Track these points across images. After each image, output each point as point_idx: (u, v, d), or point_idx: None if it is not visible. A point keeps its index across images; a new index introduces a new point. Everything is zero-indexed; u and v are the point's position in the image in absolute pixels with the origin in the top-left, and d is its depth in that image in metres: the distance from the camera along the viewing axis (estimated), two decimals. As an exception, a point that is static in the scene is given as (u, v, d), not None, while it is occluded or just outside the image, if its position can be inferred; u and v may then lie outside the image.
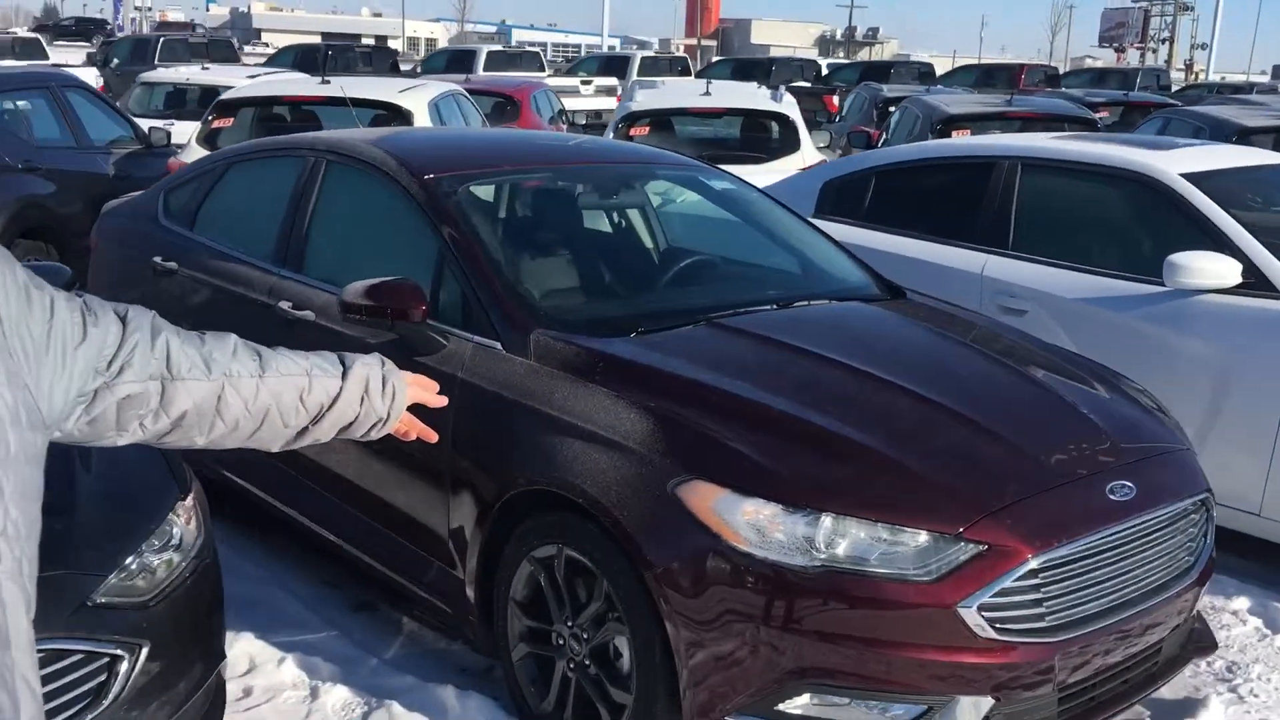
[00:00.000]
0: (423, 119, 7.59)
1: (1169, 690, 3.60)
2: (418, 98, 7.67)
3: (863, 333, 3.60)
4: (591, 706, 3.05)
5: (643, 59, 28.46)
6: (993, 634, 2.69)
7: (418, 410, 1.85)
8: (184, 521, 2.65)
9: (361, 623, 3.98)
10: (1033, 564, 2.73)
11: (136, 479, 2.63)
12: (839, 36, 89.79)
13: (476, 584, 3.31)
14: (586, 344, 3.22)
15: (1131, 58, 65.50)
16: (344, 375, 1.69)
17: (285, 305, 3.99)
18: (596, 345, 3.22)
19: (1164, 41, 69.63)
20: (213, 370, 1.52)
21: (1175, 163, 4.87)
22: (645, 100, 8.97)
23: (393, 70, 25.22)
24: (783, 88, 9.75)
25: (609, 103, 21.48)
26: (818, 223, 5.80)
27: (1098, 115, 14.89)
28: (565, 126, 13.01)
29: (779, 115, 8.73)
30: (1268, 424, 4.29)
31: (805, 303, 3.82)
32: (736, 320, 3.50)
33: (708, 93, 9.05)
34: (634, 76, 25.52)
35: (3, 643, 1.17)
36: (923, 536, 2.72)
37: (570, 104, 16.78)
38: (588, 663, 3.05)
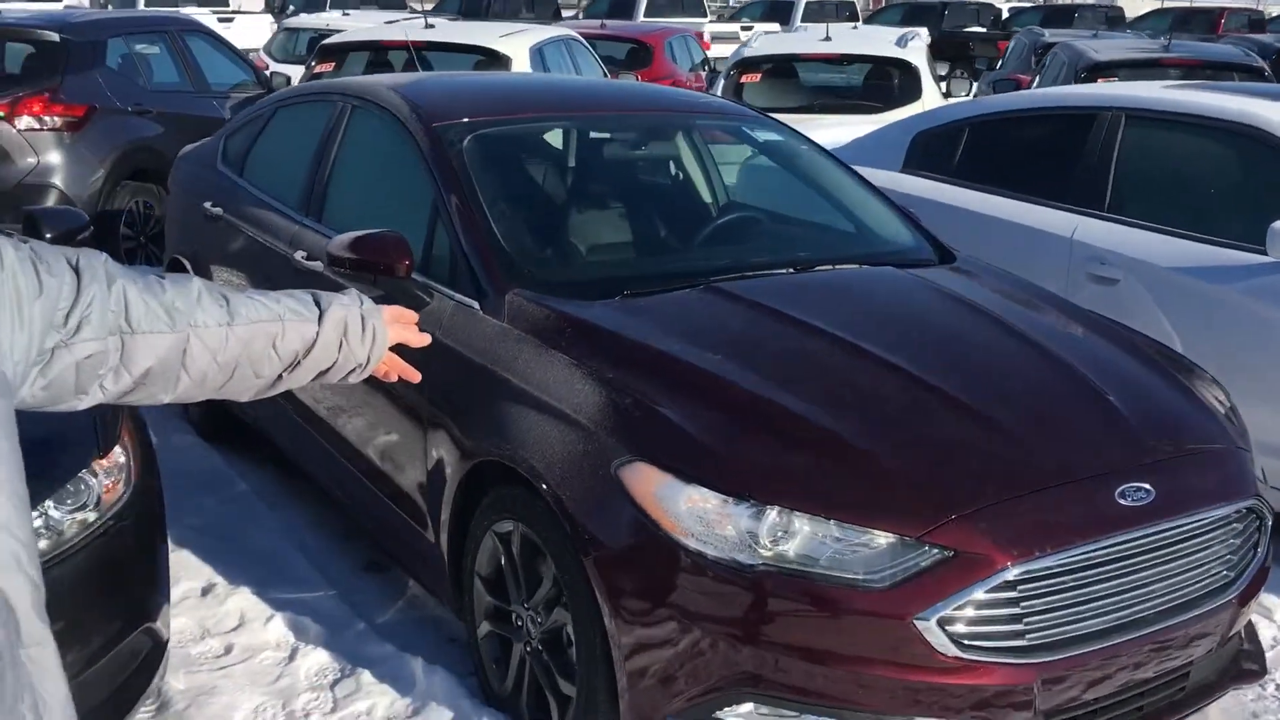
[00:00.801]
0: (522, 64, 7.42)
1: (1218, 715, 3.20)
2: (519, 43, 7.50)
3: (879, 303, 3.26)
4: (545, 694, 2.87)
5: (808, 4, 27.65)
6: (956, 651, 2.38)
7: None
8: (102, 480, 2.57)
9: (365, 584, 3.89)
10: (1010, 574, 2.39)
11: (54, 434, 2.55)
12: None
13: (448, 554, 3.16)
14: (558, 306, 3.00)
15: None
16: (320, 319, 1.54)
17: (300, 255, 3.89)
18: (569, 308, 2.99)
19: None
20: (176, 321, 1.39)
21: (1298, 116, 4.29)
22: (761, 46, 8.57)
23: (555, 16, 25.21)
24: (914, 33, 9.17)
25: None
26: (905, 178, 5.43)
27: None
28: (705, 75, 12.66)
29: (902, 62, 8.22)
30: (1382, 417, 3.75)
31: (830, 267, 3.49)
32: (741, 285, 3.22)
33: (828, 38, 8.59)
34: (797, 21, 24.81)
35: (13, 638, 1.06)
36: (882, 538, 2.41)
37: (730, 50, 16.31)
38: (540, 648, 2.86)
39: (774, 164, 4.17)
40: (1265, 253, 3.97)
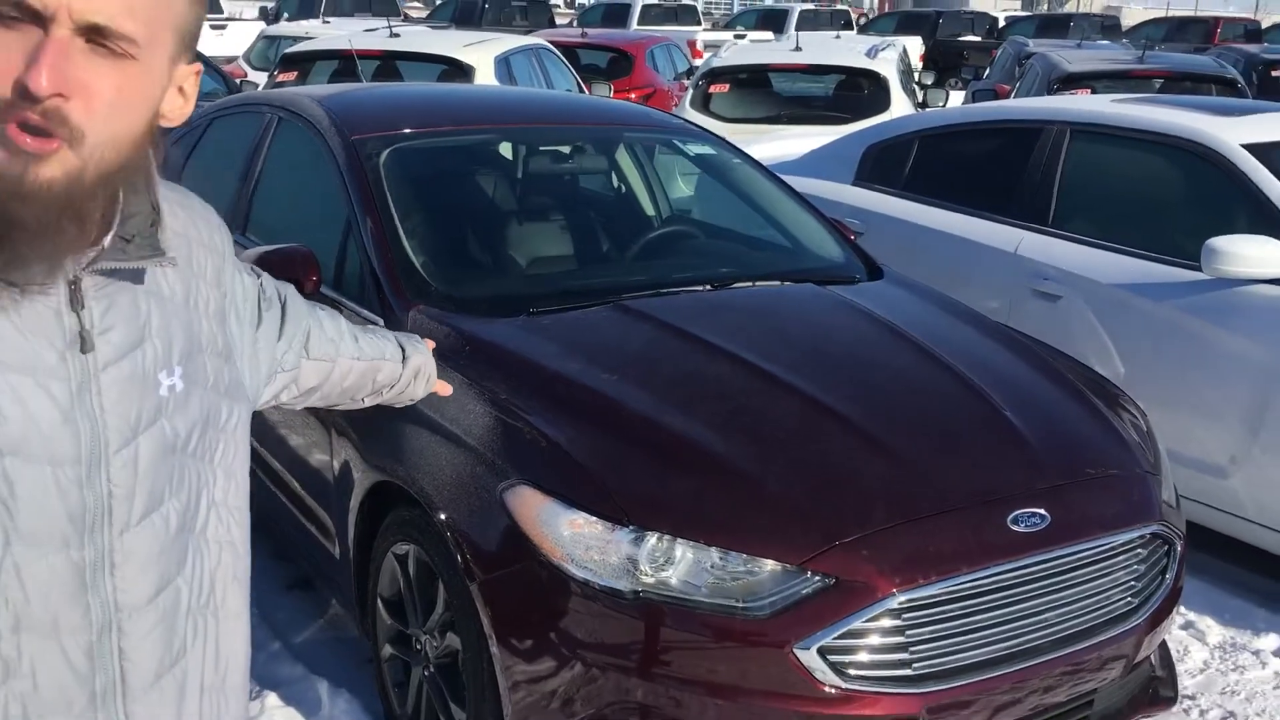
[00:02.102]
0: (487, 74, 7.38)
1: (1143, 742, 3.14)
2: (484, 52, 7.45)
3: (789, 322, 3.20)
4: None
5: (802, 12, 27.65)
6: (838, 681, 2.32)
7: None
8: None
9: (289, 602, 3.84)
10: (893, 603, 2.34)
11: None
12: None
13: (355, 574, 3.11)
14: (458, 325, 2.95)
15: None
16: (403, 362, 1.87)
17: (222, 270, 3.84)
18: (468, 326, 2.95)
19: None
20: (334, 351, 1.68)
21: (1239, 131, 4.24)
22: (730, 56, 8.53)
23: (550, 23, 25.20)
24: (887, 43, 9.13)
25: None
26: (856, 191, 5.38)
27: (1276, 74, 13.61)
28: (688, 84, 12.63)
29: (871, 73, 8.17)
30: (1316, 437, 3.70)
31: (750, 284, 3.44)
32: (651, 303, 3.17)
33: (798, 48, 8.54)
34: (792, 30, 24.82)
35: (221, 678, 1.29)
36: (764, 565, 2.36)
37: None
38: (435, 673, 2.81)
39: (706, 178, 4.12)
40: (1201, 269, 3.92)
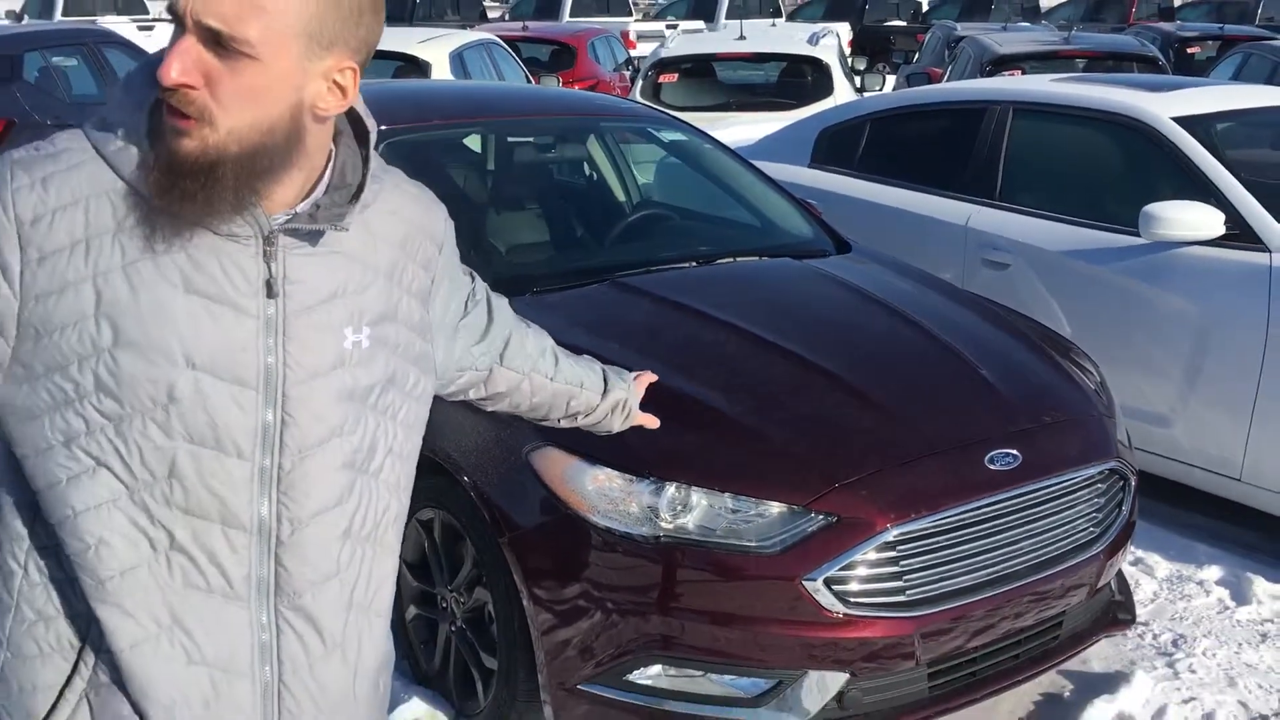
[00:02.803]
0: (443, 70, 7.55)
1: (1099, 662, 3.46)
2: (438, 48, 7.63)
3: (773, 292, 3.47)
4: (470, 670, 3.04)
5: (731, 1, 27.92)
6: (842, 608, 2.59)
7: None
8: None
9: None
10: (889, 536, 2.62)
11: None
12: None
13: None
14: (469, 305, 3.17)
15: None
16: (603, 394, 1.96)
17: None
18: (479, 306, 3.17)
19: (1305, -33, 65.44)
20: (526, 365, 1.81)
21: (1170, 105, 4.58)
22: (677, 46, 8.79)
23: (481, 18, 25.20)
24: (826, 30, 9.44)
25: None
26: (812, 173, 5.67)
27: (1191, 51, 14.17)
28: (629, 74, 12.85)
29: (814, 60, 8.47)
30: (1248, 385, 4.04)
31: (731, 259, 3.70)
32: (644, 279, 3.41)
33: (742, 37, 8.82)
34: (721, 18, 25.07)
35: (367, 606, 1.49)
36: (773, 508, 2.63)
37: (652, 49, 16.49)
38: (464, 627, 3.04)
39: (680, 163, 4.37)
40: (1139, 235, 4.25)
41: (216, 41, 1.22)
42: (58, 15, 19.92)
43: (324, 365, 1.36)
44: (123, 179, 1.28)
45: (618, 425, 2.05)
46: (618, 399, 1.99)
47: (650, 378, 2.10)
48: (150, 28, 18.94)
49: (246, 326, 1.31)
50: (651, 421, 2.10)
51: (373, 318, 1.41)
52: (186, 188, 1.25)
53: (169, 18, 1.24)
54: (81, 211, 1.27)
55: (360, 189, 1.38)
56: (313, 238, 1.36)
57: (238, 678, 1.37)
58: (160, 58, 1.25)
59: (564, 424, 1.97)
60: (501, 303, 1.77)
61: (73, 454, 1.29)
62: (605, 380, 1.98)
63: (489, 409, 1.85)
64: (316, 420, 1.36)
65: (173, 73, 1.21)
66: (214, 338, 1.29)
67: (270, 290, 1.32)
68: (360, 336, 1.39)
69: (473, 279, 1.69)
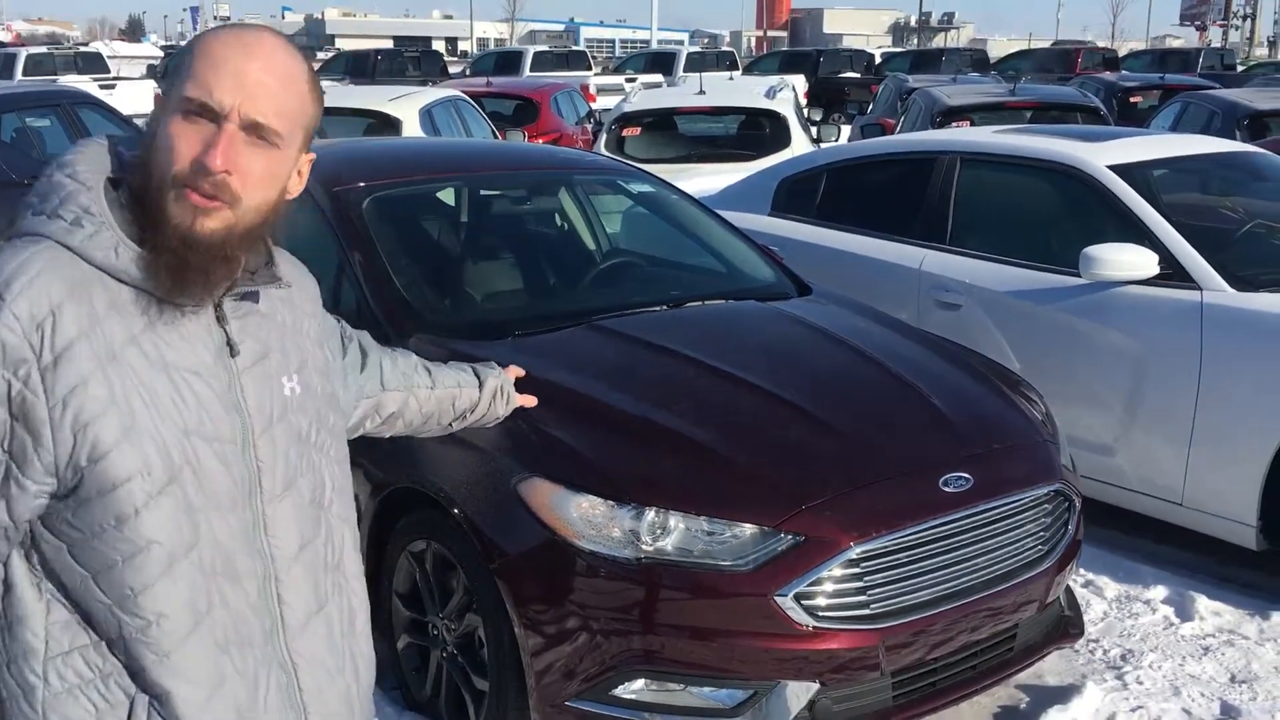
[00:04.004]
0: (413, 127, 7.80)
1: (1053, 676, 3.68)
2: (408, 106, 7.88)
3: (739, 332, 3.71)
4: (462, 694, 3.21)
5: (689, 54, 28.51)
6: (811, 621, 2.80)
7: None
8: None
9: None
10: (852, 554, 2.83)
11: None
12: (913, 23, 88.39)
13: (367, 578, 3.47)
14: (454, 347, 3.37)
15: (1215, 36, 63.60)
16: (480, 387, 2.22)
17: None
18: (463, 348, 3.37)
19: (1246, 19, 67.42)
20: (406, 383, 2.03)
21: (1105, 155, 4.89)
22: (639, 101, 9.10)
23: (442, 74, 25.55)
24: (782, 84, 9.79)
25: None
26: (772, 220, 5.93)
27: (1134, 100, 14.70)
28: (590, 128, 13.16)
29: (771, 113, 8.80)
30: (1184, 415, 4.31)
31: (700, 302, 3.93)
32: (618, 322, 3.63)
33: (702, 92, 9.15)
34: (679, 72, 25.57)
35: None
36: (745, 529, 2.83)
37: (614, 103, 16.84)
38: (455, 652, 3.21)
39: (648, 213, 4.61)
40: (1079, 275, 4.53)
41: (253, 133, 1.40)
42: (18, 75, 20.05)
43: (276, 413, 1.52)
44: (98, 266, 1.39)
45: (503, 409, 2.28)
46: (495, 385, 2.23)
47: (518, 371, 2.36)
48: (112, 86, 19.13)
49: (216, 387, 1.46)
50: (529, 400, 2.37)
51: (297, 366, 1.58)
52: (199, 263, 1.40)
53: (197, 110, 1.38)
54: (67, 314, 1.36)
55: (270, 255, 1.56)
56: (251, 298, 1.51)
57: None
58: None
59: (455, 426, 2.19)
60: (365, 335, 1.98)
61: (123, 535, 1.39)
62: (477, 375, 2.21)
63: (387, 434, 2.04)
64: (283, 464, 1.52)
65: (219, 161, 1.38)
66: (194, 404, 1.44)
67: (232, 350, 1.48)
68: (293, 384, 1.56)
69: (339, 321, 1.89)
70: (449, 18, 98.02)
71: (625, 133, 8.63)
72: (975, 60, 30.37)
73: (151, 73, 26.19)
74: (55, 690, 1.42)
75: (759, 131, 8.88)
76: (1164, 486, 4.43)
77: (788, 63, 29.28)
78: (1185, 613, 4.09)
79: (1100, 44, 41.63)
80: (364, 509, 3.40)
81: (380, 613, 3.48)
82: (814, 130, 10.24)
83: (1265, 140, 7.17)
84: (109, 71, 23.82)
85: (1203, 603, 4.11)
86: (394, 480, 3.28)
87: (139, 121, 13.08)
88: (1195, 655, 3.81)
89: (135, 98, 18.47)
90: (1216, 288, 4.31)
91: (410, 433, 2.10)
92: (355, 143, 5.49)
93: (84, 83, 17.09)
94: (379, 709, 3.40)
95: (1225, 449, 4.20)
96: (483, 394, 2.22)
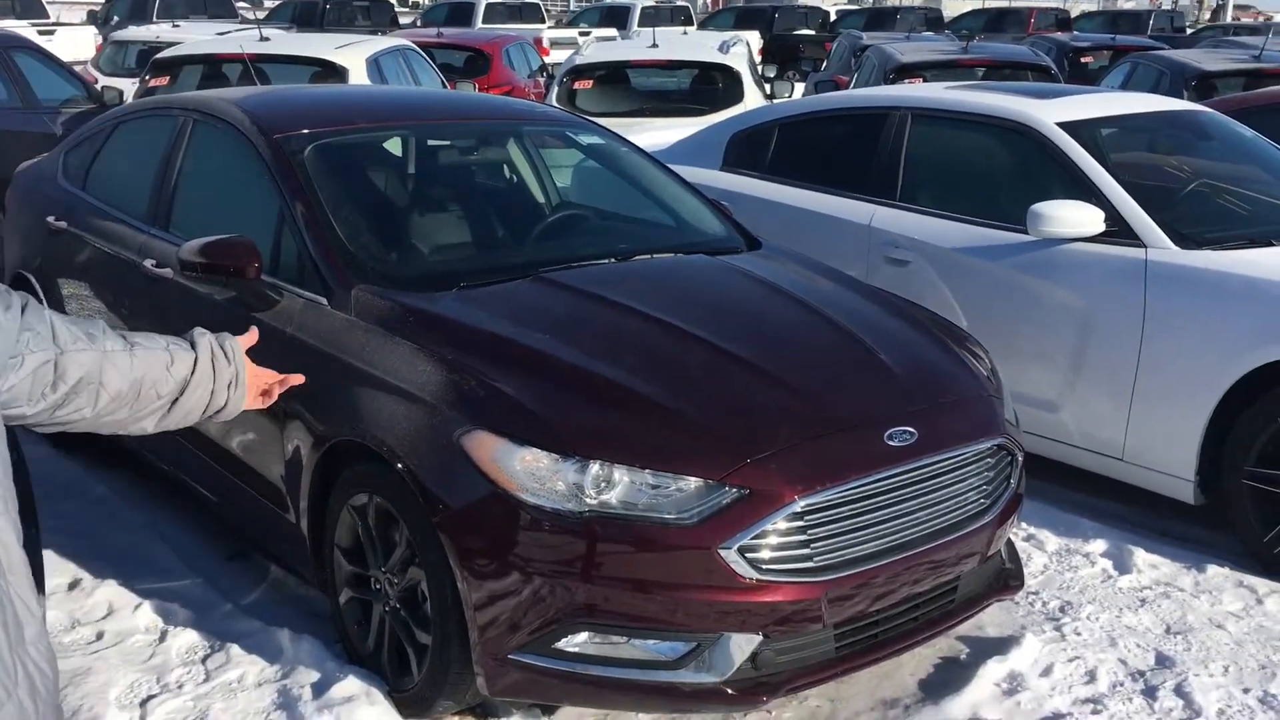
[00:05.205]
0: (359, 76, 7.65)
1: (993, 627, 3.72)
2: (355, 54, 7.72)
3: (687, 285, 3.68)
4: (404, 648, 3.18)
5: (644, 9, 28.19)
6: (755, 574, 2.80)
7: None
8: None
9: (229, 571, 4.12)
10: (796, 507, 2.82)
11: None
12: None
13: (309, 532, 3.44)
14: (401, 299, 3.32)
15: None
16: (194, 347, 1.93)
17: (149, 263, 4.11)
18: (410, 300, 3.32)
19: (1201, -21, 67.78)
20: (94, 342, 1.75)
21: (1054, 112, 4.89)
22: (592, 53, 8.98)
23: (392, 24, 25.10)
24: (736, 39, 9.71)
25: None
26: (724, 175, 5.89)
27: (1085, 60, 14.78)
28: (543, 81, 13.01)
29: (724, 67, 8.73)
30: (1127, 371, 4.36)
31: (648, 256, 3.89)
32: (567, 275, 3.59)
33: (655, 45, 9.05)
34: (634, 26, 25.33)
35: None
36: (690, 482, 2.82)
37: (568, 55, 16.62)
38: (398, 606, 3.18)
39: (598, 165, 4.56)
40: (1027, 232, 4.54)
41: None
42: None
43: None
44: None
45: (229, 368, 1.97)
46: (207, 342, 1.94)
47: (251, 338, 2.06)
48: (51, 32, 18.62)
49: None
50: (296, 379, 2.14)
51: None
52: None
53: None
54: None
55: None
56: None
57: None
58: None
59: (186, 407, 1.90)
60: (31, 299, 1.71)
61: None
62: (187, 337, 1.94)
63: (88, 414, 1.75)
64: None
65: None
66: None
67: None
68: None
69: None
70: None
71: (576, 85, 8.53)
72: (930, 19, 30.38)
73: (92, 19, 25.44)
74: None
75: (712, 86, 8.81)
76: (1105, 441, 4.48)
77: (742, 18, 29.10)
78: (1123, 565, 4.15)
79: (1053, 4, 41.76)
80: (306, 462, 3.35)
81: (323, 567, 3.45)
82: (768, 87, 10.19)
83: (1212, 100, 7.22)
84: (48, 17, 23.16)
85: (1141, 556, 4.17)
86: (335, 433, 3.23)
87: (78, 69, 12.78)
88: (1132, 607, 3.87)
89: (75, 44, 17.99)
90: (1162, 245, 4.34)
91: (125, 414, 1.82)
92: (297, 89, 5.37)
93: (22, 27, 16.60)
94: (320, 663, 3.37)
95: (1166, 406, 4.25)
96: (199, 354, 1.91)
